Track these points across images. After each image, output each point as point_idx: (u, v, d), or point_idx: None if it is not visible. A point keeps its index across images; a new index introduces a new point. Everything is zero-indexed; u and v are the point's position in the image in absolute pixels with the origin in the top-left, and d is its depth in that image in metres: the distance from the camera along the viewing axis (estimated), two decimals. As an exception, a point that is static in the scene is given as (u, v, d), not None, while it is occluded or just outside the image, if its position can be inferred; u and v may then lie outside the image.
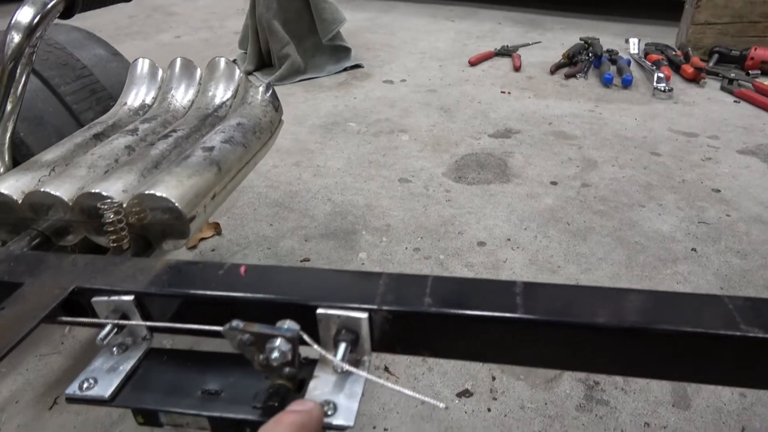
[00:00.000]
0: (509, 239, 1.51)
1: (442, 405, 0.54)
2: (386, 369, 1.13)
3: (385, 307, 0.61)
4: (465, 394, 1.07)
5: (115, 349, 0.67)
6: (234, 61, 2.90)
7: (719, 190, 1.72)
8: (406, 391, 0.57)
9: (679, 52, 2.77)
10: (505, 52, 2.93)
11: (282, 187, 1.76)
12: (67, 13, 0.94)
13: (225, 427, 0.63)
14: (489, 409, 1.04)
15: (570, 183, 1.77)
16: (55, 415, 1.05)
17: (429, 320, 0.62)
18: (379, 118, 2.25)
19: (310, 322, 0.61)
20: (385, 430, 1.00)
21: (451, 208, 1.65)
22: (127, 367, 0.66)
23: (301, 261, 1.43)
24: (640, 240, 1.49)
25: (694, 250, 1.46)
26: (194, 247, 1.49)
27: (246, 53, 2.83)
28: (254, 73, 2.76)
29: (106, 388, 0.63)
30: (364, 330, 0.62)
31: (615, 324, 0.58)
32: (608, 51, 2.80)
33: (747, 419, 1.02)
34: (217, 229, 1.53)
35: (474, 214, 1.61)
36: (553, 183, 1.77)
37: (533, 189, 1.74)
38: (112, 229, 0.79)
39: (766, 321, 0.56)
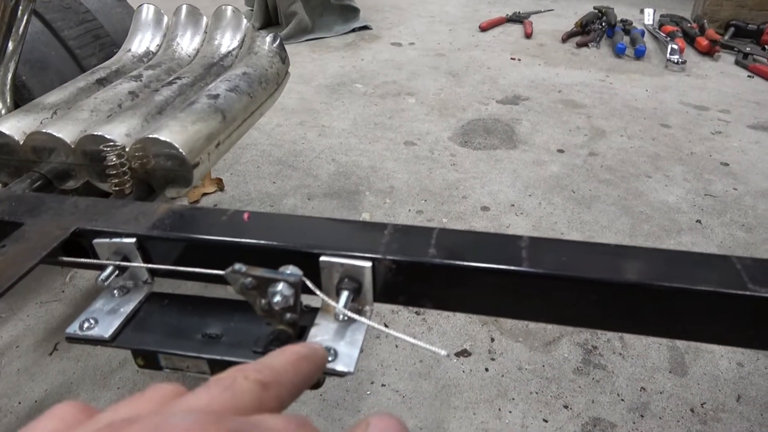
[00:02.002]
0: (513, 205, 1.49)
1: (443, 352, 0.54)
2: (385, 326, 1.13)
3: (389, 257, 0.61)
4: (463, 353, 1.08)
5: (116, 291, 0.67)
6: (240, 17, 2.85)
7: (728, 164, 1.70)
8: (407, 338, 0.57)
9: (694, 25, 2.71)
10: (516, 19, 2.87)
11: (286, 146, 1.74)
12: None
13: (224, 369, 0.63)
14: (486, 369, 1.05)
15: (577, 151, 1.74)
16: (55, 360, 1.06)
17: (433, 271, 0.61)
18: (386, 80, 2.22)
19: (312, 270, 0.60)
20: (383, 385, 1.01)
21: (456, 172, 1.63)
22: (128, 309, 0.66)
23: (304, 219, 1.42)
24: (645, 210, 1.48)
25: (699, 221, 1.45)
26: (196, 201, 1.48)
27: (252, 10, 2.78)
28: (260, 30, 2.70)
29: (106, 328, 0.63)
30: (367, 279, 0.61)
31: (621, 279, 0.57)
32: (622, 21, 2.74)
33: (743, 388, 1.03)
34: (219, 184, 1.52)
35: (479, 179, 1.60)
36: (560, 151, 1.75)
37: (539, 156, 1.72)
38: (114, 172, 0.78)
39: (772, 281, 0.56)
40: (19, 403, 0.97)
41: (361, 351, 0.61)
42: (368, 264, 0.61)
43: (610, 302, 0.61)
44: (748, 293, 0.56)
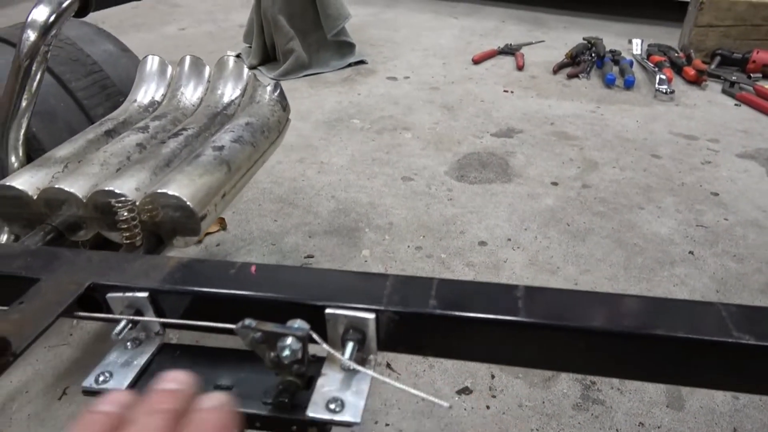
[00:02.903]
0: (510, 239, 1.53)
1: (445, 404, 0.57)
2: (388, 365, 1.16)
3: (391, 308, 0.64)
4: (465, 391, 1.10)
5: (129, 343, 0.70)
6: (238, 55, 2.92)
7: (718, 194, 1.75)
8: (411, 390, 0.60)
9: (681, 54, 2.78)
10: (508, 51, 2.94)
11: (286, 184, 1.78)
12: (81, 12, 0.96)
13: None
14: (488, 407, 1.07)
15: (571, 184, 1.79)
16: (64, 405, 1.07)
17: (433, 322, 0.64)
18: (383, 115, 2.27)
19: (318, 322, 0.63)
20: (386, 425, 1.03)
21: (453, 207, 1.67)
22: (141, 361, 0.68)
23: (305, 257, 1.46)
24: (639, 242, 1.52)
25: (691, 253, 1.48)
26: (200, 242, 1.51)
27: (251, 47, 2.84)
28: (258, 67, 2.77)
29: (121, 381, 0.65)
30: (371, 330, 0.64)
31: (611, 328, 0.61)
32: (611, 51, 2.82)
33: (739, 421, 1.05)
34: (222, 224, 1.56)
35: (475, 214, 1.64)
36: (554, 183, 1.79)
37: (534, 189, 1.76)
38: (125, 226, 0.82)
39: (757, 328, 0.59)
40: (29, 450, 0.99)
41: (366, 401, 0.64)
42: (372, 316, 0.65)
43: (600, 349, 0.64)
44: (732, 340, 0.59)
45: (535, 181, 1.80)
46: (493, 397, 1.09)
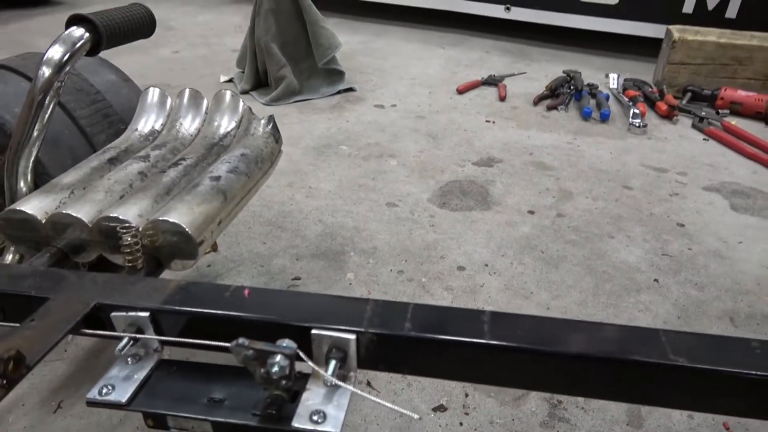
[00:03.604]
0: (487, 265, 1.62)
1: (416, 416, 0.64)
2: (369, 384, 1.23)
3: (371, 330, 0.72)
4: (440, 408, 1.17)
5: (129, 359, 0.77)
6: (231, 79, 3.01)
7: (683, 225, 1.85)
8: (386, 404, 0.67)
9: (655, 89, 2.92)
10: (491, 82, 3.07)
11: (275, 207, 1.86)
12: (93, 51, 1.04)
13: (226, 431, 0.73)
14: (461, 423, 1.14)
15: (546, 212, 1.89)
16: (59, 418, 1.13)
17: (408, 343, 0.73)
18: (370, 142, 2.36)
19: (305, 341, 0.71)
20: (365, 439, 1.10)
21: (434, 233, 1.76)
22: (141, 375, 0.75)
23: (293, 279, 1.53)
24: (608, 269, 1.61)
25: (656, 280, 1.58)
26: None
27: (243, 72, 2.93)
28: (250, 92, 2.86)
29: (123, 393, 0.72)
30: (352, 349, 0.72)
31: (565, 350, 0.69)
32: (589, 85, 2.95)
33: (693, 438, 1.13)
34: (213, 246, 1.62)
35: (455, 240, 1.72)
36: (531, 212, 1.89)
37: (512, 217, 1.85)
38: (128, 250, 0.89)
39: (691, 352, 0.68)
40: (25, 460, 1.04)
41: (346, 413, 0.72)
42: (353, 336, 0.73)
43: (555, 369, 0.72)
44: (668, 363, 0.68)
45: (512, 210, 1.90)
46: (466, 414, 1.16)
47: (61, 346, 1.30)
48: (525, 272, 1.59)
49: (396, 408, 0.66)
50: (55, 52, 0.98)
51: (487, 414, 1.16)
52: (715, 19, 3.20)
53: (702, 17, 3.23)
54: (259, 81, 2.88)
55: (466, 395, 1.20)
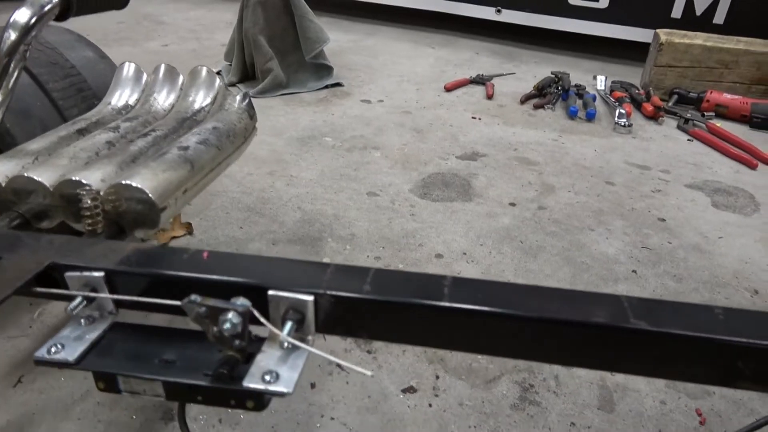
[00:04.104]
0: (465, 253, 1.60)
1: (369, 373, 0.63)
2: (338, 365, 1.21)
3: (329, 292, 0.70)
4: (410, 390, 1.15)
5: (83, 320, 0.75)
6: (219, 72, 3.00)
7: (664, 220, 1.85)
8: (337, 360, 0.66)
9: (641, 91, 2.94)
10: (479, 81, 3.07)
11: (255, 194, 1.84)
12: (62, 16, 1.03)
13: (178, 393, 0.71)
14: (430, 405, 1.12)
15: (527, 205, 1.88)
16: (18, 392, 1.10)
17: (368, 306, 0.71)
18: (354, 134, 2.35)
19: (262, 303, 0.69)
20: (332, 419, 1.08)
21: (414, 221, 1.75)
22: (92, 336, 0.73)
23: (267, 262, 1.51)
24: (586, 260, 1.60)
25: (634, 272, 1.57)
26: (165, 244, 1.55)
27: (231, 65, 2.92)
28: (237, 84, 2.85)
29: (71, 353, 0.70)
30: (310, 311, 0.71)
31: (525, 314, 0.68)
32: (576, 86, 2.96)
33: (664, 424, 1.12)
34: (188, 228, 1.60)
35: (435, 229, 1.71)
36: (512, 204, 1.88)
37: (493, 209, 1.84)
38: (88, 213, 0.87)
39: (653, 316, 0.67)
40: (-20, 433, 1.01)
41: (301, 374, 0.70)
42: (311, 298, 0.71)
43: (515, 333, 0.71)
44: (629, 326, 0.67)
45: (494, 202, 1.89)
46: (436, 396, 1.14)
47: (25, 322, 1.27)
48: (503, 261, 1.58)
49: (345, 363, 0.64)
50: (22, 15, 0.96)
51: (457, 396, 1.14)
52: (702, 24, 3.22)
53: (690, 22, 3.25)
54: (247, 73, 2.87)
55: (437, 377, 1.19)
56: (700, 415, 1.14)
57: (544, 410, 1.13)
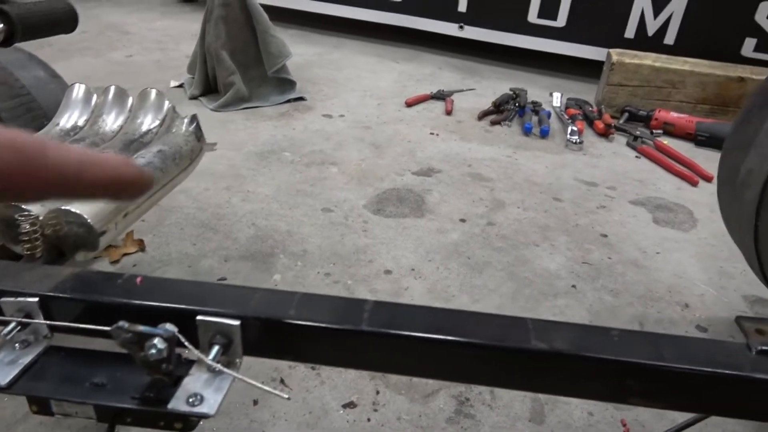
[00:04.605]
0: (413, 269, 1.66)
1: (285, 396, 0.67)
2: (282, 381, 1.24)
3: (254, 316, 0.74)
4: (350, 405, 1.20)
5: (17, 345, 0.77)
6: (181, 85, 3.01)
7: (606, 235, 1.93)
8: (253, 382, 0.69)
9: (595, 108, 3.05)
10: (440, 96, 3.14)
11: (210, 210, 1.87)
12: (6, 42, 1.05)
13: (108, 414, 0.74)
14: (369, 419, 1.17)
15: (477, 221, 1.94)
16: (-41, 412, 1.11)
17: (292, 330, 0.75)
18: (314, 149, 2.39)
19: (191, 328, 0.73)
20: (273, 434, 1.12)
21: (366, 237, 1.79)
22: (26, 360, 0.76)
23: (218, 280, 1.54)
24: (529, 275, 1.67)
25: (574, 286, 1.65)
26: (117, 261, 1.57)
27: (193, 78, 2.94)
28: (200, 97, 2.86)
29: (3, 377, 0.73)
30: (237, 335, 0.74)
31: (437, 336, 0.73)
32: (533, 102, 3.06)
33: (591, 434, 1.19)
34: (140, 245, 1.62)
35: (386, 245, 1.76)
36: (462, 220, 1.94)
37: (443, 225, 1.90)
38: (27, 238, 0.89)
39: (552, 338, 0.72)
40: None
41: (225, 396, 0.73)
42: (237, 322, 0.75)
43: (433, 355, 0.76)
44: (531, 348, 0.72)
45: (445, 218, 1.95)
46: (375, 410, 1.19)
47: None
48: (449, 276, 1.64)
49: (263, 387, 0.68)
50: (-35, 42, 0.98)
51: (396, 410, 1.19)
52: (654, 44, 3.36)
53: (642, 42, 3.38)
54: (209, 87, 2.89)
55: (377, 392, 1.23)
56: (624, 425, 1.21)
57: (478, 423, 1.18)
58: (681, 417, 1.23)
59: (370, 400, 1.21)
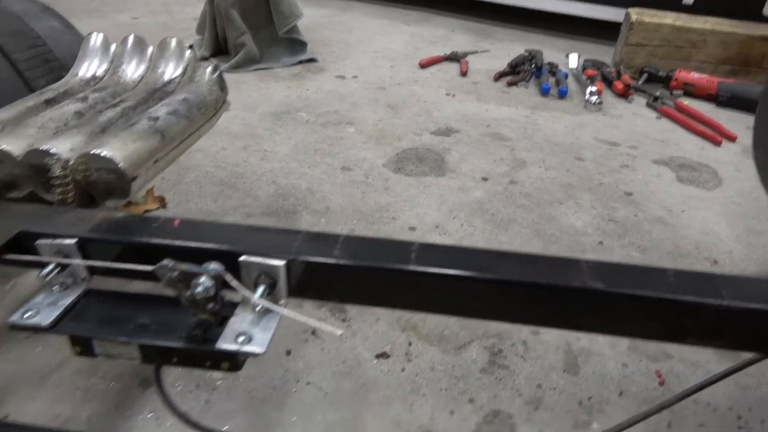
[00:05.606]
0: (437, 226, 1.63)
1: (338, 332, 0.65)
2: (313, 332, 1.23)
3: (300, 258, 0.72)
4: (383, 356, 1.19)
5: (56, 287, 0.75)
6: (191, 46, 2.94)
7: (631, 194, 1.90)
8: (308, 320, 0.67)
9: (613, 70, 2.98)
10: (454, 58, 3.08)
11: (228, 168, 1.84)
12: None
13: (153, 355, 0.72)
14: (403, 369, 1.16)
15: (499, 180, 1.91)
16: (-11, 363, 1.10)
17: (337, 270, 0.73)
18: (329, 110, 2.35)
19: (234, 269, 0.70)
20: (307, 384, 1.11)
21: (387, 195, 1.77)
22: (66, 302, 0.74)
23: (242, 236, 1.52)
24: (555, 232, 1.65)
25: (601, 243, 1.62)
26: (138, 218, 1.55)
27: (203, 39, 2.88)
28: (210, 58, 2.80)
29: (46, 317, 0.71)
30: (282, 276, 0.72)
31: (487, 276, 0.71)
32: (549, 63, 2.99)
33: (626, 385, 1.17)
34: (161, 202, 1.60)
35: (408, 203, 1.74)
36: (484, 179, 1.91)
37: (465, 183, 1.87)
38: (58, 182, 0.87)
39: (608, 279, 0.70)
40: (-46, 403, 1.01)
41: (274, 335, 0.72)
42: (282, 263, 0.72)
43: (482, 295, 0.74)
44: (587, 287, 0.70)
45: (466, 176, 1.92)
46: (409, 361, 1.18)
47: (-4, 296, 1.26)
48: (474, 233, 1.62)
49: (316, 324, 0.66)
50: (-16, -19, 0.94)
51: (429, 361, 1.18)
52: (674, 3, 3.26)
53: (661, 1, 3.29)
54: (219, 48, 2.83)
55: (410, 344, 1.22)
56: (659, 376, 1.20)
57: (512, 373, 1.17)
58: (717, 368, 1.22)
59: (403, 351, 1.20)
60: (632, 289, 0.69)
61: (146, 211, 1.56)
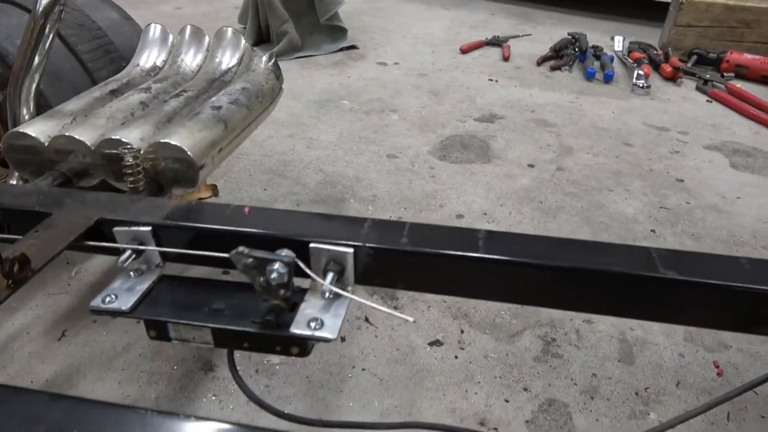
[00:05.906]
0: (485, 213, 1.63)
1: (411, 319, 0.66)
2: (366, 320, 1.25)
3: (368, 245, 0.73)
4: (436, 343, 1.20)
5: (131, 273, 0.78)
6: (233, 35, 2.98)
7: (683, 180, 1.86)
8: (383, 308, 0.69)
9: (660, 52, 2.90)
10: (495, 42, 3.04)
11: (276, 156, 1.87)
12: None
13: (226, 339, 0.75)
14: (456, 357, 1.17)
15: (546, 166, 1.89)
16: (63, 345, 1.15)
17: (405, 257, 0.74)
18: (371, 97, 2.35)
19: (303, 255, 0.72)
20: (363, 370, 1.13)
21: (434, 183, 1.77)
22: (143, 287, 0.77)
23: (292, 223, 1.54)
24: (605, 220, 1.62)
25: (653, 231, 1.59)
26: (192, 205, 1.59)
27: (245, 28, 2.91)
28: (252, 47, 2.83)
29: (125, 302, 0.74)
30: (350, 263, 0.74)
31: (557, 264, 0.70)
32: (593, 47, 2.92)
33: (683, 375, 1.16)
34: (214, 190, 1.63)
35: (455, 190, 1.73)
36: (531, 165, 1.89)
37: (511, 170, 1.86)
38: (130, 171, 0.90)
39: (681, 267, 0.69)
40: (31, 382, 1.07)
41: (344, 321, 0.73)
42: (350, 250, 0.74)
43: (551, 283, 0.74)
44: (659, 276, 0.69)
45: (512, 163, 1.90)
46: (462, 349, 1.19)
47: (65, 280, 1.32)
48: (523, 221, 1.61)
49: (390, 311, 0.67)
50: (56, -24, 0.97)
51: (482, 349, 1.19)
52: (724, -18, 3.14)
53: (711, -20, 3.17)
54: (261, 36, 2.86)
55: (462, 332, 1.23)
56: (717, 367, 1.18)
57: (566, 362, 1.17)
58: (778, 360, 1.19)
59: (456, 339, 1.21)
60: (707, 277, 0.68)
61: (200, 200, 1.60)
